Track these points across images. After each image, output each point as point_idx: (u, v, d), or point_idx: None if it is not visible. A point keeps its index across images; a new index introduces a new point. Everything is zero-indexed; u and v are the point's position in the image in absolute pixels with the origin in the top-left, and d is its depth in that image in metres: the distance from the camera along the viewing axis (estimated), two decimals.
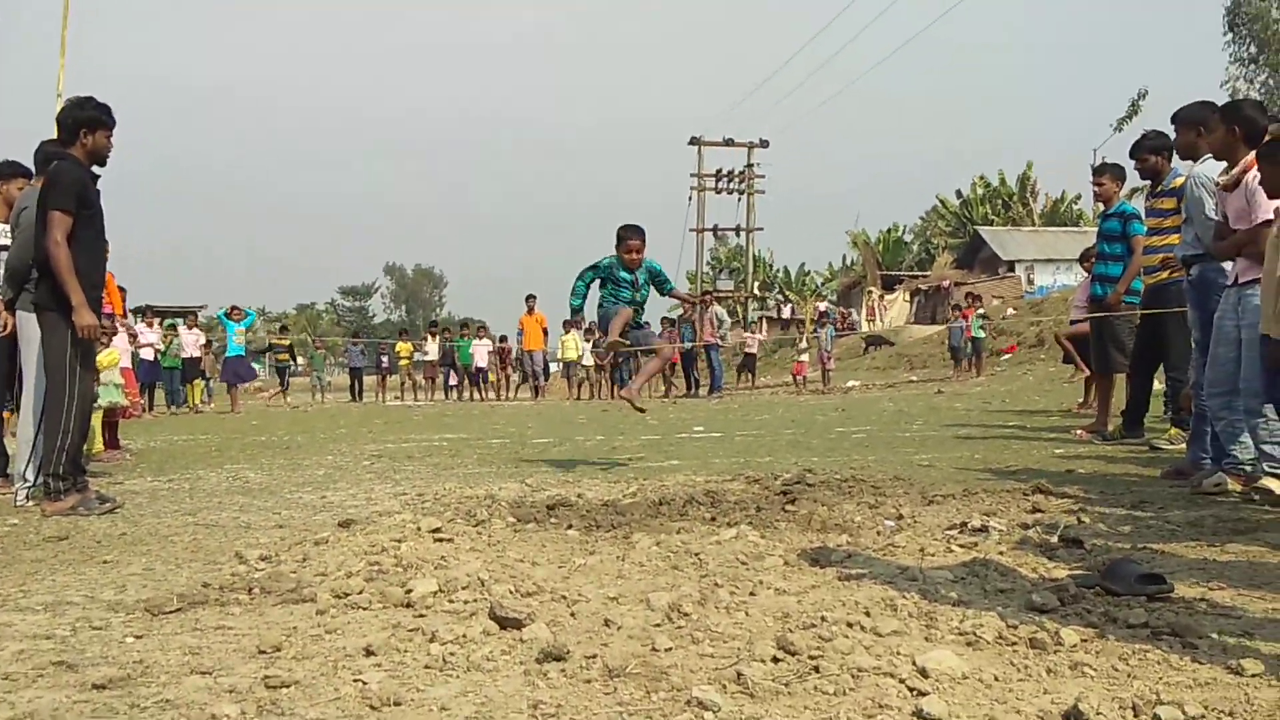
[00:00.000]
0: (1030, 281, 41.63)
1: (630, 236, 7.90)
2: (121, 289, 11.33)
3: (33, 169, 6.81)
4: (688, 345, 24.46)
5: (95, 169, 6.18)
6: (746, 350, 28.92)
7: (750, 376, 28.67)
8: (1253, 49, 40.63)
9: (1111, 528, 4.61)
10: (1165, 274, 7.79)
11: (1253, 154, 5.40)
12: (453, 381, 27.50)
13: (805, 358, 26.88)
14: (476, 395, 26.78)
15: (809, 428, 11.73)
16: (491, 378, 27.57)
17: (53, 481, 5.87)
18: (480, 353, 26.65)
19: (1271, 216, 5.26)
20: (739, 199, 40.31)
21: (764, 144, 39.76)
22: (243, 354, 20.50)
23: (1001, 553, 3.93)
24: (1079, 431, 9.15)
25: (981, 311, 24.21)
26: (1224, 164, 5.92)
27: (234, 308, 20.81)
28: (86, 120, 6.07)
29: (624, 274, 7.90)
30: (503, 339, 28.55)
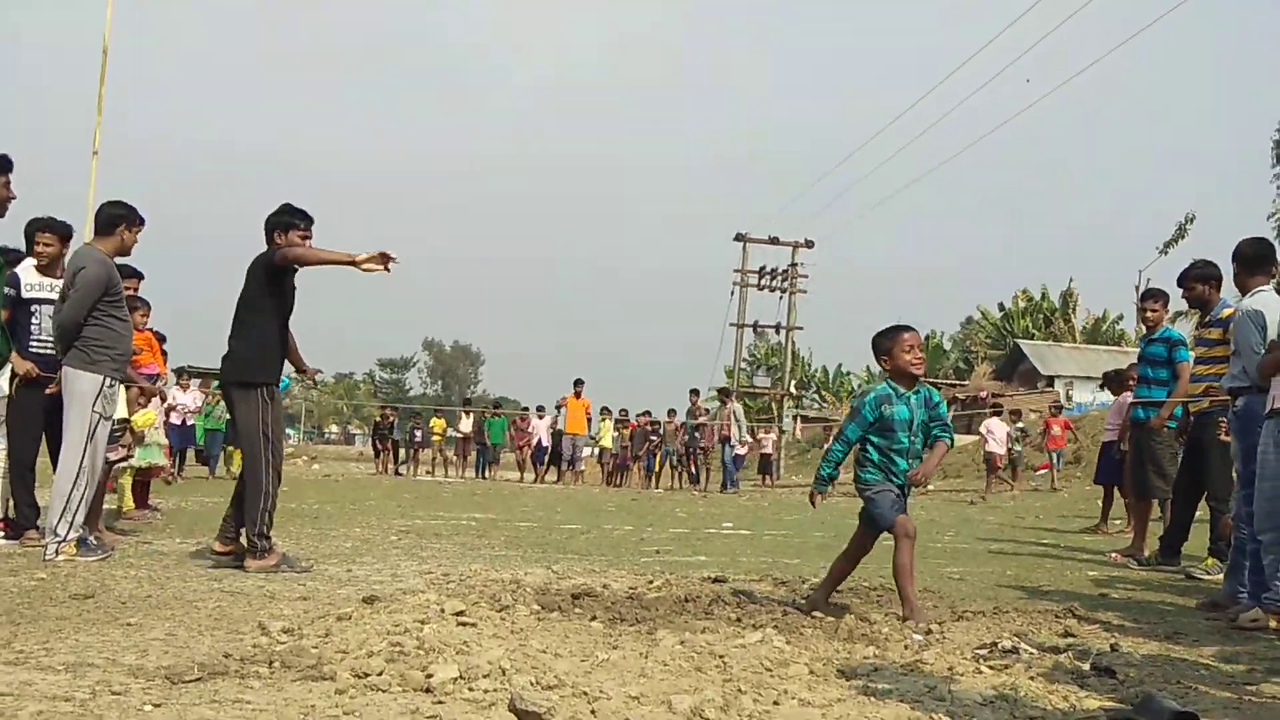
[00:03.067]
0: (1069, 398, 41.28)
1: (900, 334, 5.34)
2: (165, 352, 11.47)
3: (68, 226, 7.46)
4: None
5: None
6: (762, 451, 28.77)
7: (769, 478, 28.49)
8: None
9: (1145, 658, 4.51)
10: (1207, 403, 7.72)
11: None
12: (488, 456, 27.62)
13: None
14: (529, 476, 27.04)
15: (839, 531, 11.59)
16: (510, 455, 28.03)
17: (259, 540, 6.31)
18: (543, 429, 26.87)
19: None
20: (781, 297, 40.39)
21: (809, 244, 39.88)
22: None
23: (1032, 677, 3.84)
24: (1114, 555, 9.00)
25: (1020, 425, 24.03)
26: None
27: None
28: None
29: (900, 409, 5.29)
30: (524, 412, 28.85)
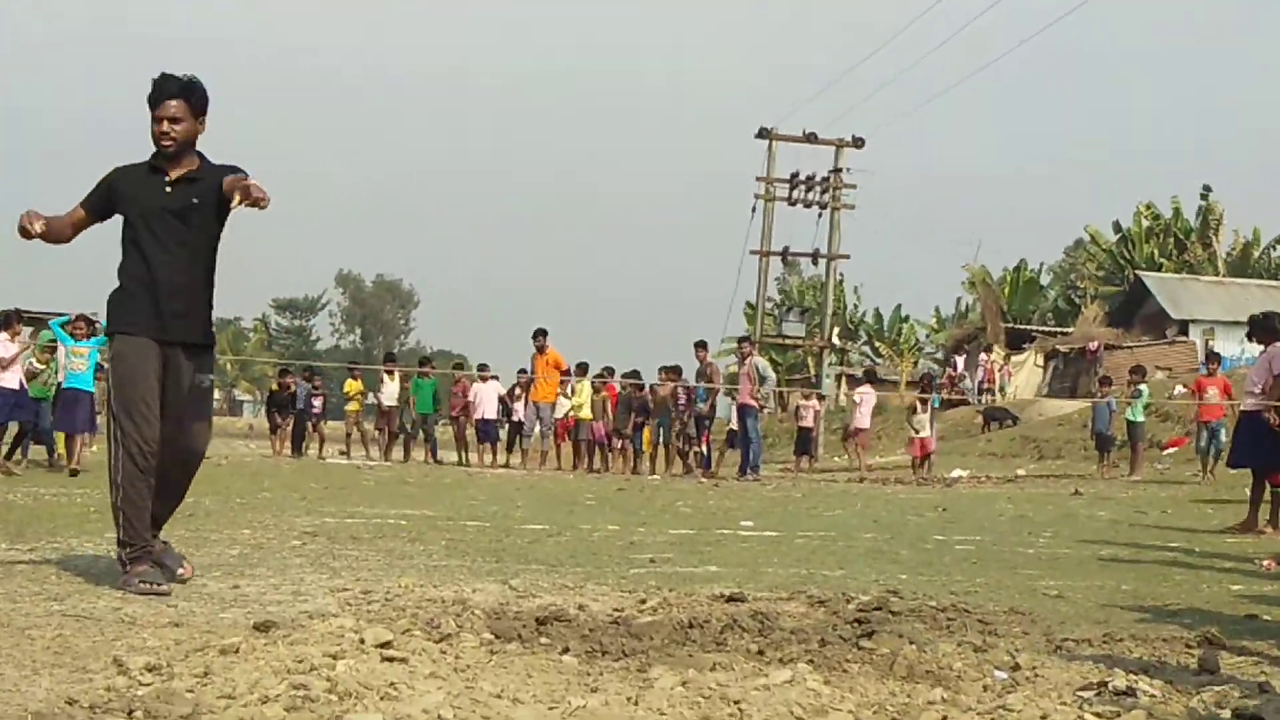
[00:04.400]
0: (1210, 350, 41.47)
1: None
2: None
3: None
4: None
5: None
6: (801, 424, 28.68)
7: (809, 459, 28.62)
8: None
9: None
10: None
11: None
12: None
13: (925, 432, 25.74)
14: (473, 457, 27.37)
15: (897, 532, 11.67)
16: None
17: (120, 550, 6.38)
18: (488, 398, 26.97)
19: None
20: (820, 214, 40.28)
21: (858, 143, 39.69)
22: (90, 388, 17.40)
23: None
24: (1268, 562, 9.06)
25: (1144, 387, 24.08)
26: None
27: (80, 317, 17.66)
28: None
29: None
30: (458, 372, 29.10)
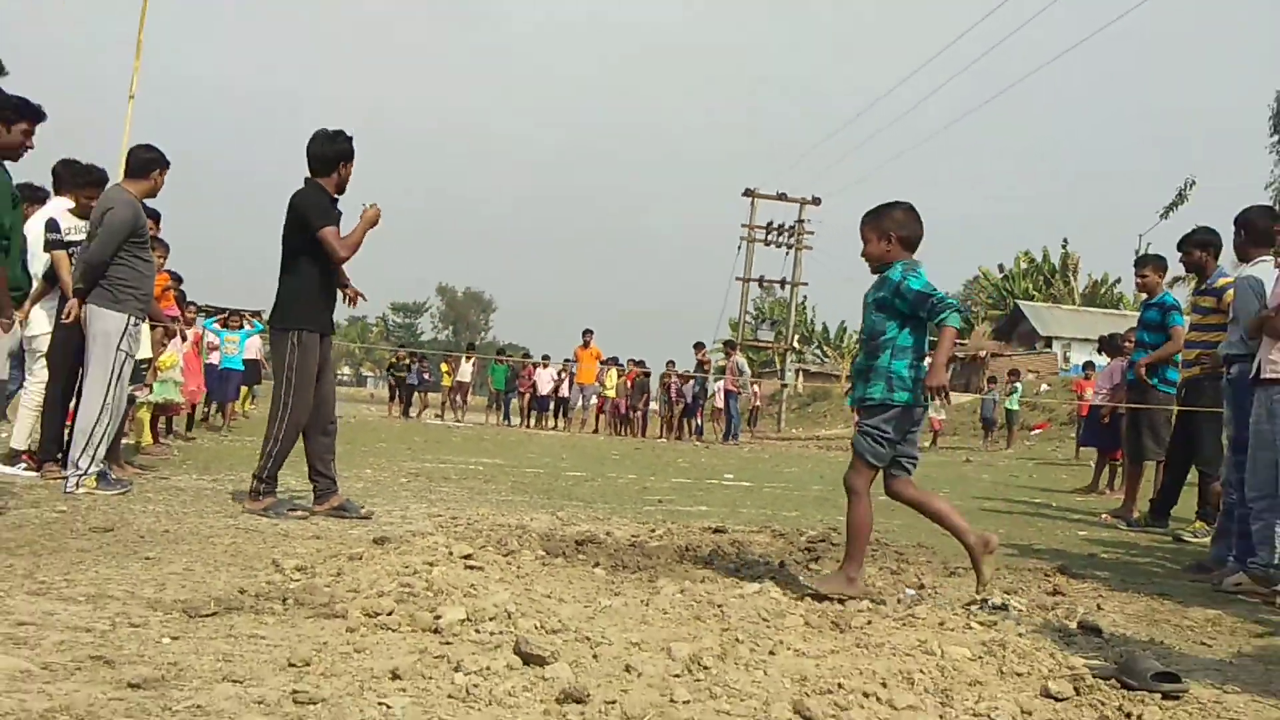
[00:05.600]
0: (1066, 359, 41.17)
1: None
2: (181, 293, 11.46)
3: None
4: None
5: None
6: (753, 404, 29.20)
7: (751, 429, 29.04)
8: None
9: (1130, 618, 4.55)
10: (1198, 370, 7.67)
11: None
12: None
13: (942, 414, 24.16)
14: (532, 422, 27.36)
15: (837, 485, 11.63)
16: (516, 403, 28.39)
17: (256, 483, 6.18)
18: (545, 379, 27.09)
19: None
20: (787, 253, 40.18)
21: (816, 201, 39.55)
22: (240, 368, 16.33)
23: (1020, 634, 3.87)
24: (1105, 515, 9.04)
25: (1019, 385, 24.02)
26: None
27: (234, 313, 16.75)
28: (342, 153, 6.34)
29: None
30: (525, 360, 29.15)
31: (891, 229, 4.76)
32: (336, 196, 6.35)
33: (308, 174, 6.33)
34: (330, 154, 6.29)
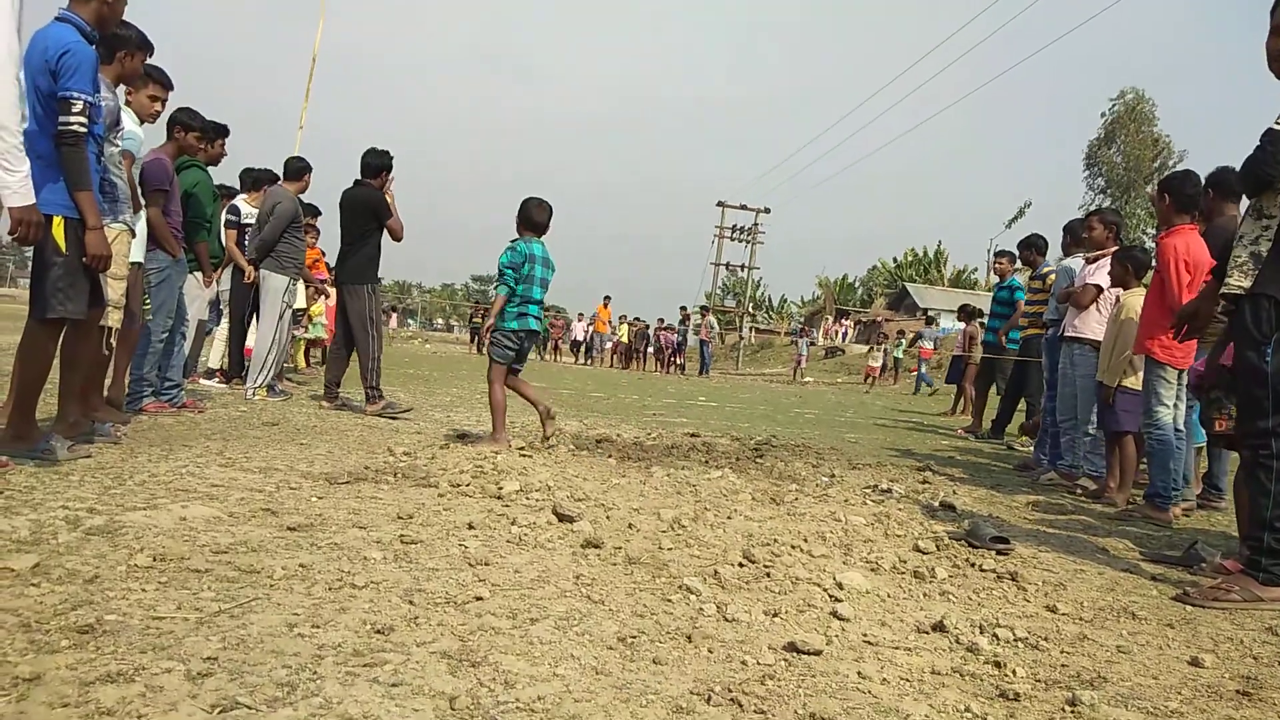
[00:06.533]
0: (935, 323, 40.96)
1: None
2: (328, 264, 11.37)
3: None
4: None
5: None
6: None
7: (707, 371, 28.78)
8: (1101, 182, 40.95)
9: (976, 500, 4.56)
10: (1031, 331, 7.64)
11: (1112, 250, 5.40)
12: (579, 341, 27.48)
13: (877, 362, 22.66)
14: (566, 359, 27.26)
15: (776, 407, 11.66)
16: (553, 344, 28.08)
17: (370, 390, 6.16)
18: (577, 328, 27.53)
19: (1096, 283, 5.34)
20: (746, 246, 39.87)
21: (767, 210, 39.12)
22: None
23: (900, 509, 3.89)
24: (959, 430, 9.05)
25: (902, 340, 23.92)
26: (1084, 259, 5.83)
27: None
28: (385, 165, 6.27)
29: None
30: (560, 314, 29.11)
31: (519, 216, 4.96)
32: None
33: (357, 176, 6.28)
34: (377, 164, 6.25)
